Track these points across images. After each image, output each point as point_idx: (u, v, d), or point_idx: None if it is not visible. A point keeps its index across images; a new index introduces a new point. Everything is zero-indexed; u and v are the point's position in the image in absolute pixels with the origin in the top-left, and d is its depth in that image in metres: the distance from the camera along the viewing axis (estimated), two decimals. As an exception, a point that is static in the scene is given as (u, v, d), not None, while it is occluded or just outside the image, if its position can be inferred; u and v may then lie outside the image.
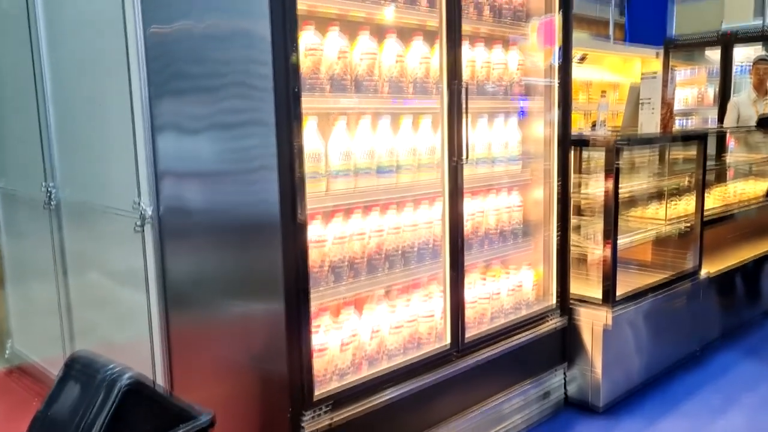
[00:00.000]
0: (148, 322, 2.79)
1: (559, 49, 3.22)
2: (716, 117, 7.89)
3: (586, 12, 9.14)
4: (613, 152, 3.18)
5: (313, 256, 2.40)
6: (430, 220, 2.86)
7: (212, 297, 2.54)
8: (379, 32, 2.73)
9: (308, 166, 2.37)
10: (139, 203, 2.68)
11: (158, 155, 2.63)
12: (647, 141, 3.74)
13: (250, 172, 2.27)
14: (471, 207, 3.08)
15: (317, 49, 2.41)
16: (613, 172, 3.23)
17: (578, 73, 7.97)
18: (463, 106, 2.68)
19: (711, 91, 8.24)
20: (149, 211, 2.64)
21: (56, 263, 3.50)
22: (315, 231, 2.43)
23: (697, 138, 3.88)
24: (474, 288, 3.10)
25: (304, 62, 2.37)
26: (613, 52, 7.99)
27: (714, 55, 8.26)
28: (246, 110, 2.23)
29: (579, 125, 7.63)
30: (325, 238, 2.47)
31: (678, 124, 8.73)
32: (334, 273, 2.49)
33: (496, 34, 3.19)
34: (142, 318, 2.81)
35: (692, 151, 4.12)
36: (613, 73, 8.27)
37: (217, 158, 2.40)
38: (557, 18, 3.18)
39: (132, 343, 2.93)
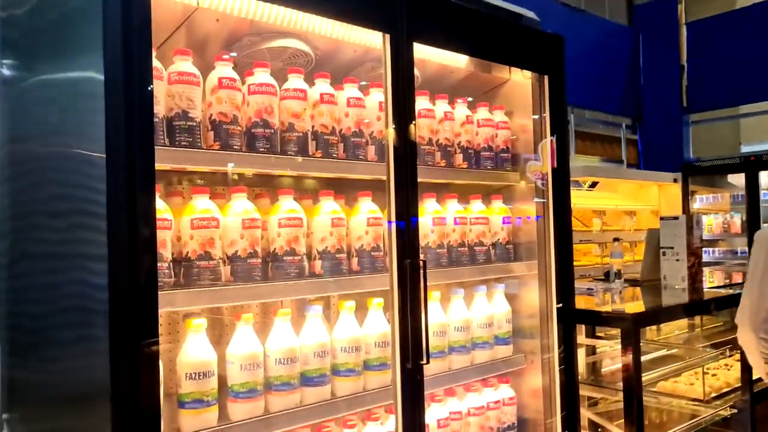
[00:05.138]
0: None
1: (554, 193, 2.55)
2: (746, 248, 7.15)
3: (596, 134, 8.67)
4: (632, 335, 2.43)
5: None
6: (383, 439, 2.10)
7: None
8: (309, 186, 2.10)
9: (188, 389, 1.67)
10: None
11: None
12: (670, 313, 2.99)
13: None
14: (443, 412, 2.32)
15: (212, 218, 1.76)
16: (632, 357, 2.46)
17: (590, 201, 7.34)
18: (421, 291, 1.98)
19: (738, 218, 7.54)
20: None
21: None
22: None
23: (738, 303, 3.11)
24: None
25: (189, 243, 1.71)
26: (626, 180, 7.39)
27: (735, 179, 7.64)
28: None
29: (590, 259, 6.92)
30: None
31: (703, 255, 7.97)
32: None
33: (474, 185, 2.56)
34: None
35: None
36: (629, 200, 7.64)
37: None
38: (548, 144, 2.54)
39: None
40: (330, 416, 1.96)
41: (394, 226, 1.97)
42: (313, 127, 1.98)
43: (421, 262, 1.99)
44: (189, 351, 1.72)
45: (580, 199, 7.04)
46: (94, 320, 1.47)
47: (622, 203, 7.47)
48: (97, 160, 1.44)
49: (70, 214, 1.58)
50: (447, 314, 2.37)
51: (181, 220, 1.75)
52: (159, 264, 1.60)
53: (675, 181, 7.54)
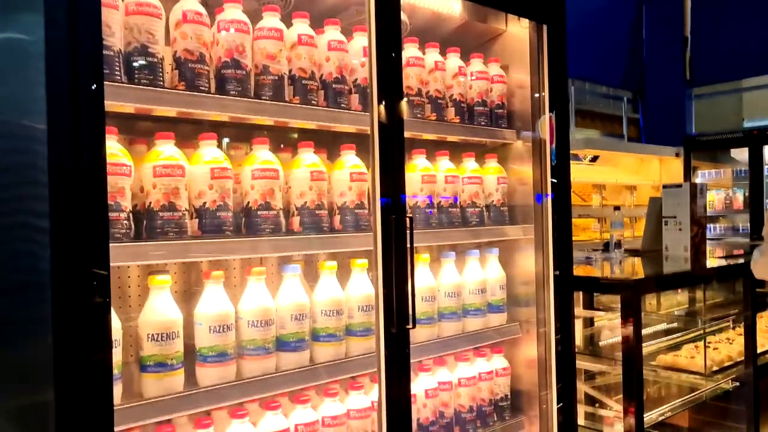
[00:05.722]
0: None
1: (553, 166, 2.40)
2: (748, 225, 7.01)
3: (596, 108, 8.47)
4: (633, 302, 2.29)
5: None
6: (367, 408, 1.97)
7: None
8: (287, 140, 1.95)
9: (151, 351, 1.52)
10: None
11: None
12: (675, 281, 2.85)
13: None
14: (432, 382, 2.18)
15: (177, 165, 1.60)
16: (633, 327, 2.32)
17: (590, 174, 7.18)
18: (407, 249, 1.83)
19: (740, 194, 7.39)
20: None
21: None
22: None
23: (744, 274, 2.97)
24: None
25: (153, 195, 1.56)
26: (627, 153, 7.23)
27: (738, 154, 7.48)
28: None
29: (589, 234, 6.77)
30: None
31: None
32: None
33: (467, 142, 2.41)
34: None
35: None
36: (630, 174, 7.49)
37: None
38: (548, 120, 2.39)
39: None
40: (309, 383, 1.82)
41: (378, 178, 1.82)
42: (290, 70, 1.81)
43: (407, 219, 1.84)
44: (151, 310, 1.57)
45: (580, 173, 6.88)
46: (45, 296, 1.31)
47: (623, 178, 7.32)
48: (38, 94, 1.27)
49: (11, 186, 1.41)
50: (437, 278, 2.22)
51: (143, 168, 1.59)
52: (116, 214, 1.46)
53: (677, 155, 7.38)
